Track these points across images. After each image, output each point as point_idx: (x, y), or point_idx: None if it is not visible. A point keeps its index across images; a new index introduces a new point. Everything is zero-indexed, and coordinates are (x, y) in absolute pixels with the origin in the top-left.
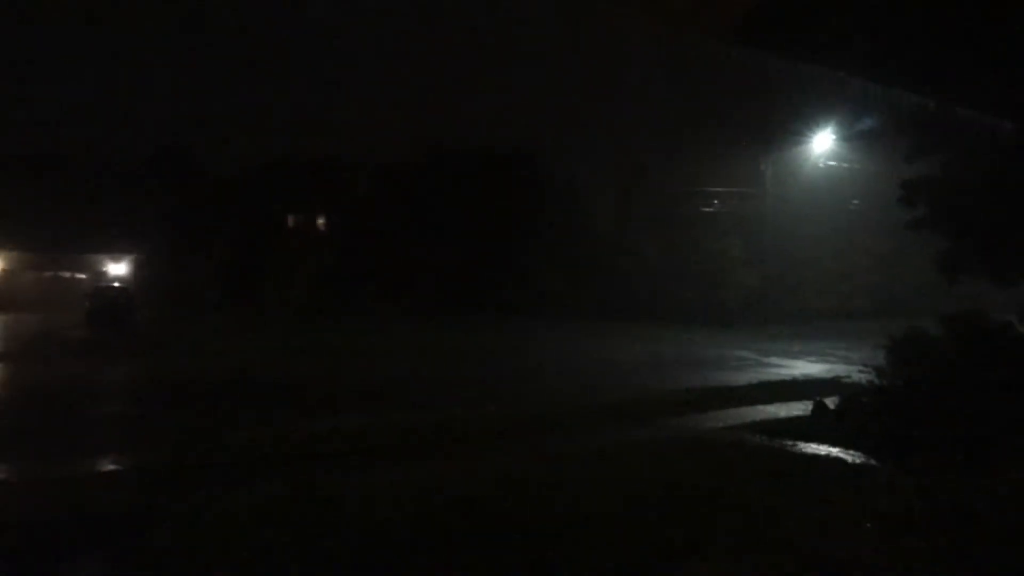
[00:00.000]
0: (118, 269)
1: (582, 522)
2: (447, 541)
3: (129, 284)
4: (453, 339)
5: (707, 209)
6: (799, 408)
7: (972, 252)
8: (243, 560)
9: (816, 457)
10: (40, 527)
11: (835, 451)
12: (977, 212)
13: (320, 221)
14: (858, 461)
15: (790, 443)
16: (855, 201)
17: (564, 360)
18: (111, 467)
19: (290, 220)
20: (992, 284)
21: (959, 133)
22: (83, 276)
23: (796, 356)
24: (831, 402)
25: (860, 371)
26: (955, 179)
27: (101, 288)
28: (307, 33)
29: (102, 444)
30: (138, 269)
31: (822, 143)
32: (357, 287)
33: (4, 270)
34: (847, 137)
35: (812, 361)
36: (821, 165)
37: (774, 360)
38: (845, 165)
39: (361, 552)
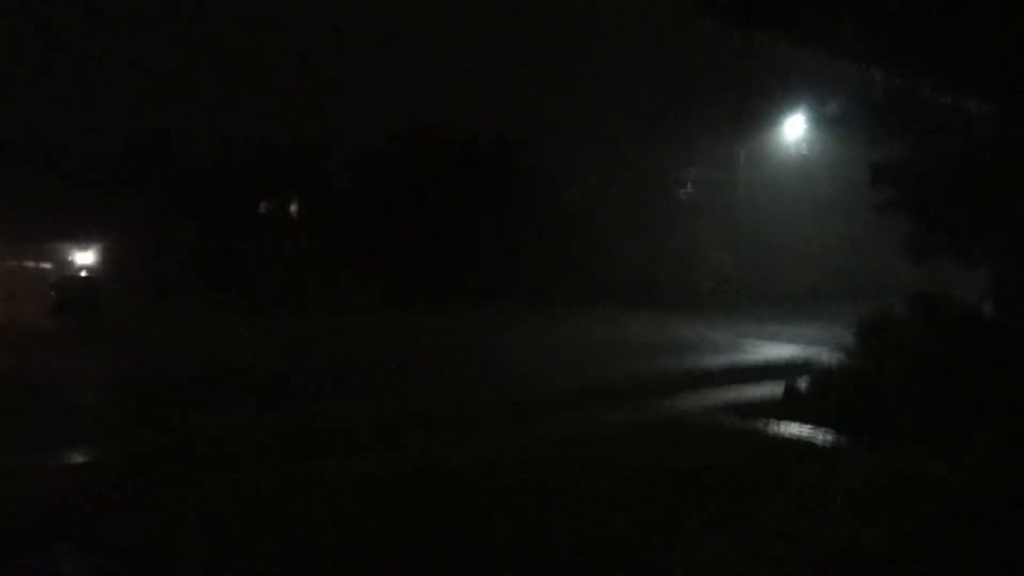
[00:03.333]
0: (85, 258)
1: (559, 504)
2: (432, 523)
3: (97, 273)
4: (430, 326)
5: (681, 193)
6: (772, 390)
7: (938, 233)
8: (224, 549)
9: (789, 438)
10: (15, 518)
11: (806, 431)
12: (941, 193)
13: (294, 207)
14: (828, 440)
15: (763, 424)
16: (826, 185)
17: (539, 345)
18: (83, 458)
19: (263, 206)
20: (958, 265)
21: (924, 114)
22: (49, 266)
23: (769, 338)
24: (803, 383)
25: (831, 352)
26: (920, 161)
27: (67, 278)
28: (282, 15)
29: (72, 435)
30: (106, 258)
31: (794, 128)
32: (333, 274)
33: None
34: (818, 121)
35: (784, 343)
36: (793, 150)
37: (747, 342)
38: (817, 149)
39: (345, 538)
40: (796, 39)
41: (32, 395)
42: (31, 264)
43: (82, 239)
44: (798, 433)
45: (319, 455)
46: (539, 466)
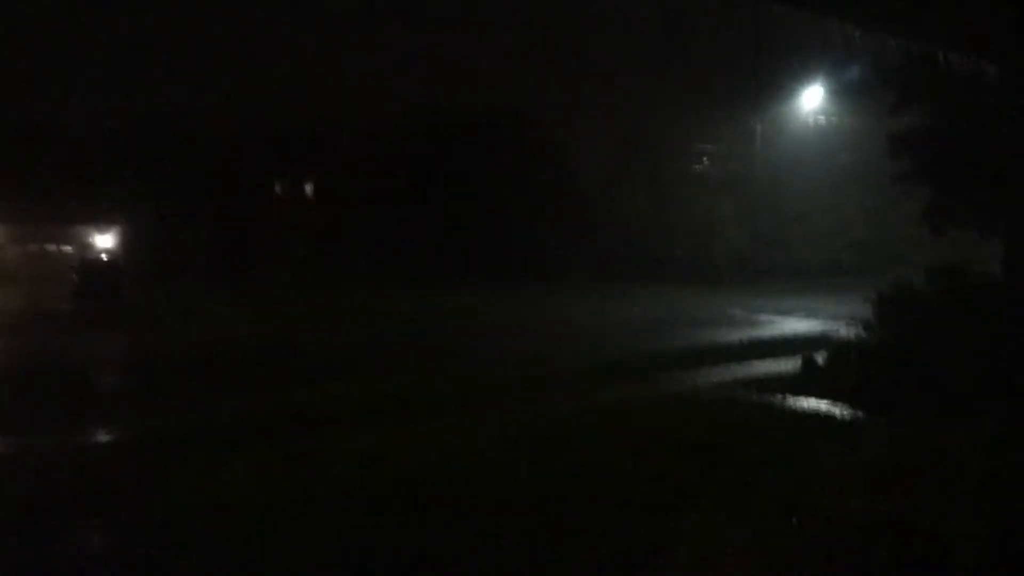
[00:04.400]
0: (105, 241)
1: (579, 477)
2: (449, 497)
3: (117, 256)
4: (447, 303)
5: (697, 167)
6: (789, 364)
7: (956, 203)
8: (240, 527)
9: (805, 411)
10: (37, 498)
11: (823, 405)
12: (960, 162)
13: (308, 187)
14: (846, 414)
15: (780, 398)
16: (844, 157)
17: (558, 321)
18: (105, 438)
19: (278, 187)
20: (977, 235)
21: (942, 82)
22: (70, 249)
23: (786, 313)
24: (820, 357)
25: (848, 326)
26: (939, 130)
27: (88, 261)
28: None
29: (94, 416)
30: (125, 240)
31: (811, 99)
32: (346, 253)
33: None
34: (835, 91)
35: (802, 317)
36: (810, 122)
37: (764, 317)
38: (834, 121)
39: (359, 514)
40: (812, 8)
41: (56, 376)
42: (53, 247)
43: (102, 223)
44: (815, 407)
45: (341, 431)
46: (554, 440)
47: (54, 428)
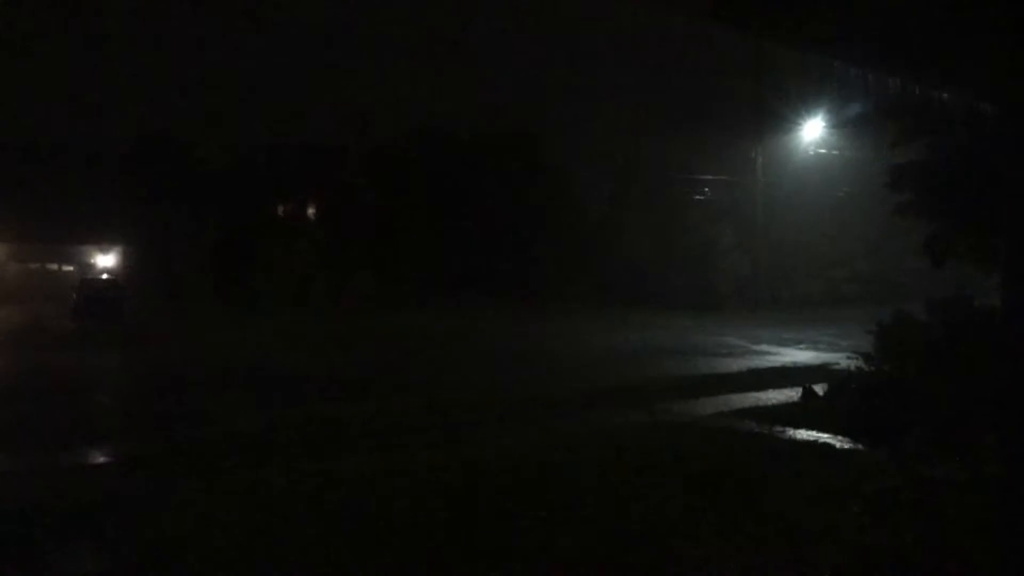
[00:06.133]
0: (106, 261)
1: (577, 502)
2: (452, 520)
3: (118, 276)
4: (447, 325)
5: (699, 196)
6: (788, 395)
7: (956, 236)
8: (242, 545)
9: (804, 442)
10: (37, 516)
11: (823, 436)
12: (960, 196)
13: (310, 209)
14: (845, 446)
15: (779, 429)
16: (845, 188)
17: (558, 346)
18: (106, 456)
19: (280, 208)
20: (978, 268)
21: (940, 117)
22: (71, 268)
23: (786, 343)
24: (820, 388)
25: (848, 357)
26: (938, 163)
27: (89, 280)
28: (293, 15)
29: (95, 433)
30: (126, 260)
31: (812, 131)
32: (348, 274)
33: None
34: (836, 124)
35: (802, 348)
36: (811, 153)
37: (764, 347)
38: (835, 152)
39: (366, 536)
40: (812, 45)
41: (57, 393)
42: (53, 267)
43: (104, 242)
44: (815, 439)
45: (340, 452)
46: (556, 465)
47: (49, 446)
